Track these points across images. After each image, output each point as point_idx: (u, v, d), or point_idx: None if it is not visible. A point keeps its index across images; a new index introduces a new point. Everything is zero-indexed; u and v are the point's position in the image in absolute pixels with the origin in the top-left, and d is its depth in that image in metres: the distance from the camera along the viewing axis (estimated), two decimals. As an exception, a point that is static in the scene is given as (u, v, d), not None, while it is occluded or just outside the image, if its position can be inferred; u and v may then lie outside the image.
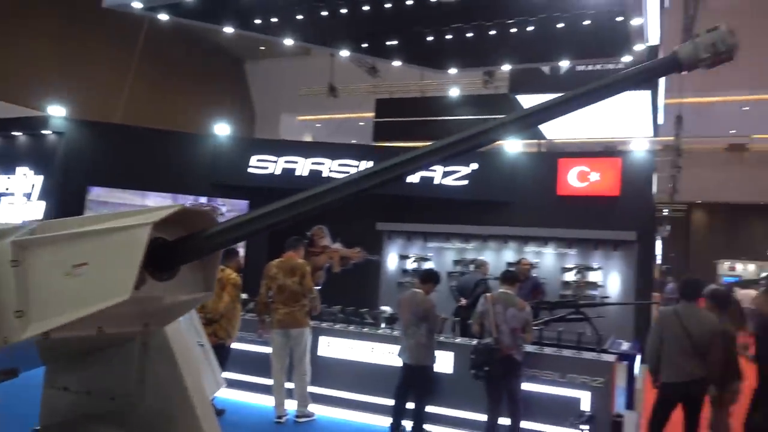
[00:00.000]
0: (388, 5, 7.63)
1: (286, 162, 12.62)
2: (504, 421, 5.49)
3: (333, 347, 6.73)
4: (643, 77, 1.39)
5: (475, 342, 5.69)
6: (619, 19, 6.79)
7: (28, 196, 11.80)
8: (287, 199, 1.50)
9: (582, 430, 5.38)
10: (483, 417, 5.57)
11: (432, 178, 11.85)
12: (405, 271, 11.90)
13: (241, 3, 7.48)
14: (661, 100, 11.68)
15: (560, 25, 7.36)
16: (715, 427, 5.24)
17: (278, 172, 12.57)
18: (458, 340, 6.36)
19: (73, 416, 1.81)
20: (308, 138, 24.19)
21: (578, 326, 7.11)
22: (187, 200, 12.13)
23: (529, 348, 5.85)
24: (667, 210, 25.60)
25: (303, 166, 12.58)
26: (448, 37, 8.10)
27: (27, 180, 11.88)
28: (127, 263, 1.43)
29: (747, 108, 20.70)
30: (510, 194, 11.57)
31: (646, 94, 9.92)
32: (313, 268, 6.71)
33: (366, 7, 7.63)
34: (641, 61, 7.17)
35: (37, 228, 1.63)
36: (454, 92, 17.52)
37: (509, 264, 10.40)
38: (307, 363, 6.18)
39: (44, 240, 1.56)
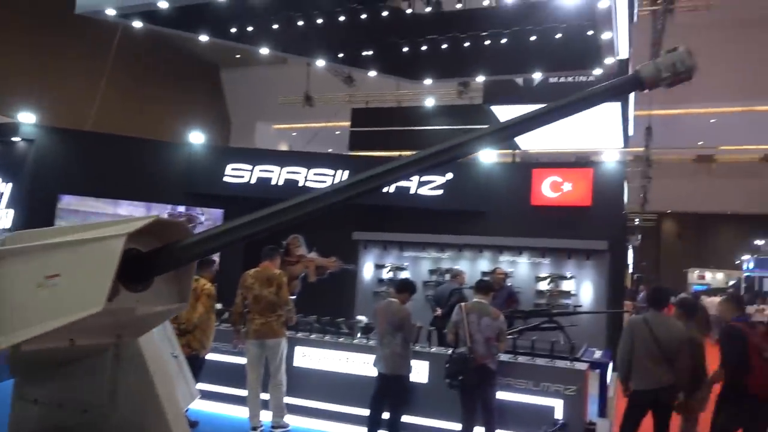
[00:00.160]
0: (363, 16, 7.68)
1: (262, 171, 12.56)
2: (479, 429, 5.51)
3: (308, 357, 6.69)
4: (607, 95, 1.45)
5: (449, 351, 5.72)
6: (590, 33, 6.94)
7: (-4, 204, 11.56)
8: (263, 211, 1.51)
9: (555, 437, 5.44)
10: (458, 426, 5.59)
11: (408, 188, 11.91)
12: (381, 281, 11.91)
13: (217, 11, 7.45)
14: (632, 112, 11.92)
15: (533, 38, 7.50)
16: (685, 434, 5.34)
17: (253, 181, 12.50)
18: (433, 349, 6.38)
19: (44, 429, 1.78)
20: (284, 147, 24.12)
21: (552, 335, 7.19)
22: (164, 209, 11.99)
23: (504, 357, 5.90)
24: (638, 219, 26.07)
25: (278, 175, 12.53)
26: (424, 48, 8.18)
27: (-5, 188, 11.64)
28: (100, 274, 1.42)
29: (714, 120, 21.23)
30: (485, 204, 11.67)
31: (616, 106, 10.12)
32: (288, 277, 6.68)
33: (342, 18, 7.67)
34: (612, 74, 7.35)
35: (7, 239, 1.61)
36: (429, 102, 17.65)
37: (484, 273, 10.47)
38: (284, 373, 6.14)
39: (16, 251, 1.54)
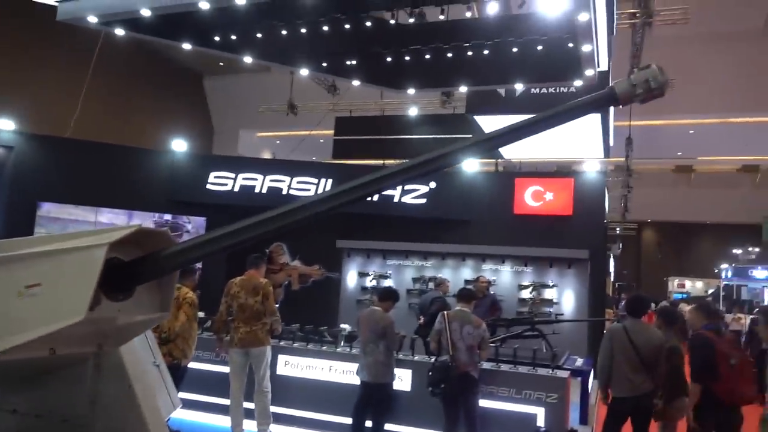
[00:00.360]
0: (347, 26, 7.71)
1: (245, 179, 12.53)
2: (461, 437, 5.53)
3: (291, 366, 6.67)
4: (585, 109, 1.49)
5: (432, 359, 5.74)
6: (570, 45, 7.04)
7: (-26, 212, 11.37)
8: (248, 220, 1.52)
9: (537, 445, 5.47)
10: (440, 434, 5.61)
11: (392, 196, 11.94)
12: (364, 289, 11.91)
13: (200, 20, 7.42)
14: (612, 123, 12.09)
15: (515, 50, 7.58)
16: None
17: (237, 189, 12.47)
18: (416, 357, 6.40)
19: (22, 440, 1.76)
20: (267, 155, 24.05)
21: (534, 343, 7.26)
22: (146, 217, 11.90)
23: (486, 365, 5.94)
24: (618, 228, 26.35)
25: (262, 183, 12.51)
26: (407, 58, 8.23)
27: (-27, 195, 11.45)
28: (82, 284, 1.42)
29: (693, 131, 21.59)
30: (468, 212, 11.74)
31: (596, 117, 10.26)
32: (272, 285, 6.66)
33: (325, 27, 7.70)
34: (592, 85, 7.45)
35: (-12, 247, 1.60)
36: (413, 111, 17.74)
37: (467, 282, 10.53)
38: (269, 381, 6.11)
39: (-4, 260, 1.53)
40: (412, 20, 8.04)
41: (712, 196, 25.86)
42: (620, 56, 12.05)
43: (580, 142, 12.06)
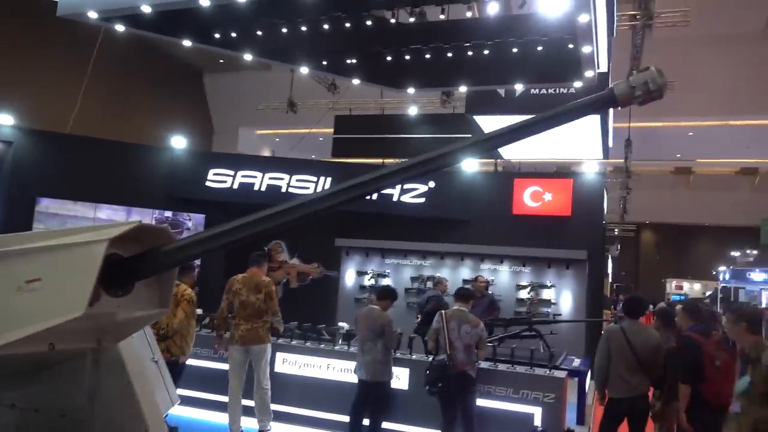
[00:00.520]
0: (348, 25, 7.71)
1: (244, 176, 12.54)
2: (458, 436, 5.54)
3: (289, 363, 6.68)
4: (584, 111, 1.50)
5: (429, 358, 5.75)
6: (571, 46, 7.05)
7: (-28, 207, 11.36)
8: (248, 217, 1.52)
9: (534, 445, 5.48)
10: (437, 433, 5.62)
11: (390, 195, 11.95)
12: (362, 287, 11.92)
13: (200, 17, 7.42)
14: (611, 124, 12.11)
15: (515, 50, 7.59)
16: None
17: (236, 186, 12.47)
18: (414, 356, 6.41)
19: (21, 434, 1.77)
20: (267, 152, 24.06)
21: (531, 343, 7.27)
22: (145, 213, 11.90)
23: (483, 364, 5.95)
24: (617, 230, 26.40)
25: (261, 181, 12.51)
26: (407, 57, 8.24)
27: (-29, 190, 11.44)
28: (81, 279, 1.43)
29: (692, 133, 21.61)
30: (467, 212, 11.76)
31: (596, 119, 10.27)
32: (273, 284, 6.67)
33: (326, 26, 7.70)
34: (592, 86, 7.46)
35: (-12, 242, 1.61)
36: (412, 110, 17.75)
37: (465, 281, 10.55)
38: (269, 379, 6.11)
39: (-4, 255, 1.54)
40: (412, 19, 8.06)
41: (711, 199, 25.90)
42: (620, 58, 12.07)
43: (580, 143, 12.08)
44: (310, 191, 11.94)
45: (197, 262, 7.54)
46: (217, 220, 1.64)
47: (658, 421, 5.30)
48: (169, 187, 12.31)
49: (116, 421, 1.72)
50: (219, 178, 12.51)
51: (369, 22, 7.82)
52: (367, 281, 11.91)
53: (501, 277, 11.29)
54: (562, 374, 6.07)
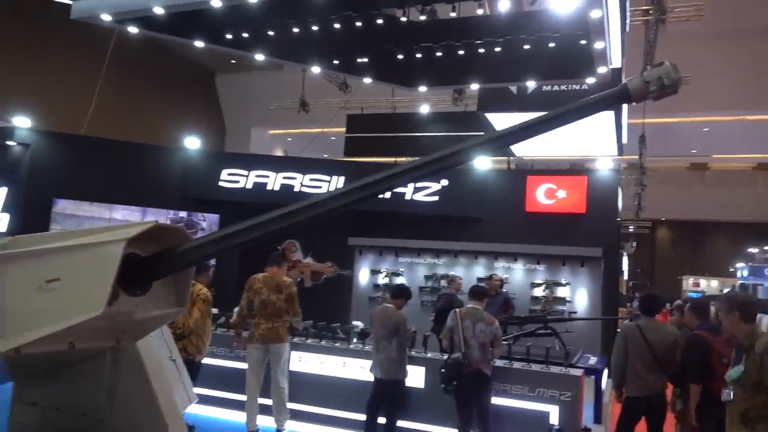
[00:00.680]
0: (359, 23, 7.72)
1: (257, 176, 12.59)
2: (474, 435, 5.53)
3: (305, 362, 6.70)
4: (597, 107, 1.49)
5: (445, 356, 5.74)
6: (583, 42, 7.00)
7: (-9, 208, 11.52)
8: (262, 216, 1.53)
9: (550, 443, 5.45)
10: (454, 431, 5.60)
11: (403, 194, 11.94)
12: (376, 286, 11.91)
13: (212, 18, 7.47)
14: (625, 120, 12.02)
15: (526, 47, 7.55)
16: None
17: (249, 186, 12.53)
18: (429, 354, 6.40)
19: (42, 432, 1.79)
20: (279, 152, 24.16)
21: (547, 341, 7.22)
22: (160, 214, 11.99)
23: (499, 362, 5.92)
24: (632, 227, 26.16)
25: (274, 181, 12.56)
26: (418, 55, 8.23)
27: (-10, 192, 11.61)
28: (100, 279, 1.44)
29: (707, 129, 21.38)
30: (480, 210, 11.72)
31: (609, 115, 10.19)
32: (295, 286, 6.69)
33: (337, 25, 7.71)
34: (605, 83, 7.41)
35: (8, 243, 1.63)
36: (424, 109, 17.73)
37: (479, 279, 10.51)
38: (287, 378, 6.14)
39: (16, 255, 1.56)
40: (423, 17, 8.04)
41: (727, 194, 25.59)
42: (633, 53, 11.97)
43: (594, 140, 11.99)
44: (323, 190, 11.97)
45: (212, 262, 7.58)
46: (231, 220, 1.65)
47: (682, 420, 5.24)
48: (183, 188, 12.40)
49: (135, 420, 1.74)
50: (232, 178, 12.58)
51: (380, 21, 7.83)
52: (381, 280, 11.91)
53: (515, 275, 11.23)
54: (578, 372, 6.02)
